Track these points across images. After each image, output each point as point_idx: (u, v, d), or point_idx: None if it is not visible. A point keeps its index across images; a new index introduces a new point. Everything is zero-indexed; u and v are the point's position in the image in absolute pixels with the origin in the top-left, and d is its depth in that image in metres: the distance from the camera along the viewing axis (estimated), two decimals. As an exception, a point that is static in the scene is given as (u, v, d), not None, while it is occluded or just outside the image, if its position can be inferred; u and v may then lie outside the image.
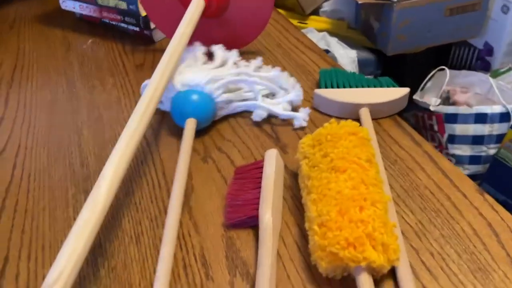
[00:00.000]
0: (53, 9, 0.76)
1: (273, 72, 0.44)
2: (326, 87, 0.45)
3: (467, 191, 0.35)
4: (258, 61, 0.46)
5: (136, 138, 0.34)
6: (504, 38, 0.94)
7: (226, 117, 0.46)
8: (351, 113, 0.43)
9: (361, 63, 0.91)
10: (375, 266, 0.27)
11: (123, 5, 0.59)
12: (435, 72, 0.93)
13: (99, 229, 0.29)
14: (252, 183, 0.35)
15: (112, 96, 0.52)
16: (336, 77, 0.46)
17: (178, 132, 0.44)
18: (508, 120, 0.82)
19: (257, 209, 0.33)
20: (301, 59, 0.55)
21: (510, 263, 0.30)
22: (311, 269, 0.30)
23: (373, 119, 0.42)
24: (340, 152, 0.32)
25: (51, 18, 0.73)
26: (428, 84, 0.94)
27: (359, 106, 0.42)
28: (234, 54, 0.47)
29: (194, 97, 0.41)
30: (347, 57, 0.84)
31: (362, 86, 0.45)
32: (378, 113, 0.43)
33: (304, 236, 0.33)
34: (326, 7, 1.01)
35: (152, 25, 0.59)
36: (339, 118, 0.43)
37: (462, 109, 0.84)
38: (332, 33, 0.92)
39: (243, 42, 0.54)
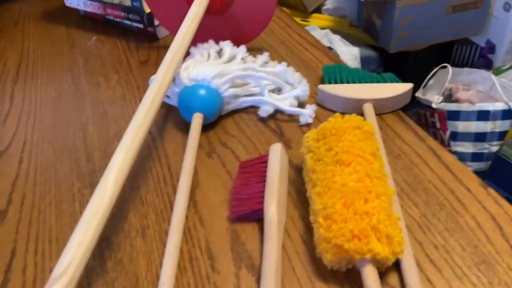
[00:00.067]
0: (56, 6, 0.76)
1: (279, 67, 0.44)
2: (329, 83, 0.46)
3: (470, 185, 0.36)
4: (264, 56, 0.46)
5: (143, 131, 0.34)
6: (506, 36, 0.94)
7: (230, 113, 0.46)
8: (355, 108, 0.43)
9: (363, 61, 0.91)
10: (380, 258, 0.28)
11: (127, 2, 0.59)
12: (438, 70, 0.94)
13: (106, 222, 0.29)
14: (257, 177, 0.36)
15: (117, 92, 0.52)
16: (339, 72, 0.47)
17: (183, 127, 0.44)
18: (511, 117, 0.82)
19: (262, 203, 0.33)
20: (304, 55, 0.55)
21: (513, 255, 0.30)
22: (316, 261, 0.31)
23: (376, 114, 0.42)
24: (345, 145, 0.32)
25: (55, 16, 0.73)
26: (431, 82, 0.94)
27: (362, 101, 0.43)
28: (242, 50, 0.47)
29: (201, 92, 0.41)
30: (349, 54, 0.85)
31: (366, 82, 0.45)
32: (382, 108, 0.43)
33: (308, 229, 0.33)
34: (328, 5, 1.01)
35: (156, 22, 0.60)
36: (343, 113, 0.44)
37: (464, 106, 0.84)
38: (334, 31, 0.92)
39: (247, 38, 0.54)
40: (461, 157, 0.87)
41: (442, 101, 0.87)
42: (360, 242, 0.27)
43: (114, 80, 0.54)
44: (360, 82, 0.45)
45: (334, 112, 0.45)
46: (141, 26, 0.61)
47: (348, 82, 0.45)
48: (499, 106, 0.83)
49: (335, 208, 0.29)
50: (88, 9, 0.65)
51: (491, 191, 0.35)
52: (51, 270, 0.32)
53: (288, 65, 0.46)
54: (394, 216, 0.29)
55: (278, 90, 0.46)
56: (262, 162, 0.36)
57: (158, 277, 0.30)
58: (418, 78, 0.93)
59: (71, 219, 0.36)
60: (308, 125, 0.43)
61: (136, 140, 0.33)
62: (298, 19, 0.94)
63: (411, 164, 0.38)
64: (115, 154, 0.32)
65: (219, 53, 0.48)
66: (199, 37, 0.49)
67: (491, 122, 0.84)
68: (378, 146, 0.34)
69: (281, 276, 0.30)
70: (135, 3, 0.59)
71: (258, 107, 0.45)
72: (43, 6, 0.78)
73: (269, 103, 0.44)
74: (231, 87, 0.43)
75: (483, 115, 0.84)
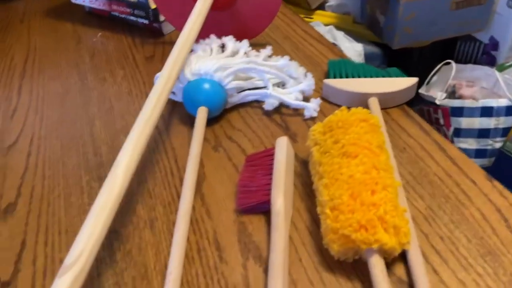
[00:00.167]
0: (62, 3, 0.77)
1: (282, 61, 0.45)
2: (334, 78, 0.46)
3: (476, 178, 0.36)
4: (267, 50, 0.47)
5: (149, 126, 0.34)
6: (510, 33, 0.94)
7: (236, 107, 0.46)
8: (360, 102, 0.43)
9: (367, 57, 0.91)
10: (387, 249, 0.28)
11: (133, -2, 0.60)
12: (441, 66, 0.94)
13: (115, 214, 0.29)
14: (264, 169, 0.36)
15: (123, 87, 0.52)
16: (344, 67, 0.47)
17: (188, 121, 0.45)
18: (514, 114, 0.83)
19: (269, 195, 0.33)
20: (309, 50, 0.55)
21: (519, 246, 0.30)
22: (322, 252, 0.31)
23: (381, 108, 0.42)
24: (352, 138, 0.32)
25: (60, 12, 0.74)
26: (434, 78, 0.94)
27: (368, 95, 0.43)
28: (244, 44, 0.47)
29: (205, 86, 0.41)
30: (353, 51, 0.85)
31: (371, 77, 0.45)
32: (387, 102, 0.43)
33: (315, 221, 0.33)
34: (331, 1, 1.01)
35: (162, 18, 0.60)
36: (348, 107, 0.44)
37: (468, 103, 0.84)
38: (337, 28, 0.92)
39: (252, 34, 0.54)
40: (465, 153, 0.87)
41: (445, 98, 0.87)
42: (367, 233, 0.27)
43: (120, 75, 0.55)
44: (365, 77, 0.45)
45: (338, 106, 0.45)
46: (146, 22, 0.61)
47: (353, 77, 0.46)
48: (503, 102, 0.83)
49: (342, 199, 0.29)
50: (94, 5, 0.66)
51: (496, 183, 0.35)
52: (61, 261, 0.33)
53: (293, 60, 0.46)
54: (401, 207, 0.30)
55: (282, 85, 0.46)
56: (268, 155, 0.37)
57: (166, 267, 0.31)
58: (421, 74, 0.93)
59: (80, 211, 0.36)
60: (313, 119, 0.44)
61: (143, 135, 0.34)
62: (301, 16, 0.94)
63: (417, 158, 0.38)
64: (123, 148, 0.32)
65: (222, 48, 0.48)
66: (204, 33, 0.49)
67: (495, 119, 0.84)
68: (384, 139, 0.34)
69: (288, 266, 0.30)
70: (140, -1, 0.59)
71: (263, 102, 0.45)
72: (48, 2, 0.78)
73: (274, 96, 0.44)
74: (234, 80, 0.44)
75: (486, 112, 0.84)
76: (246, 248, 0.32)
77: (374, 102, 0.42)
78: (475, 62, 1.02)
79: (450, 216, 0.33)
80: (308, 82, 0.45)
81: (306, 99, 0.45)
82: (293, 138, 0.42)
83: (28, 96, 0.53)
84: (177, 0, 0.53)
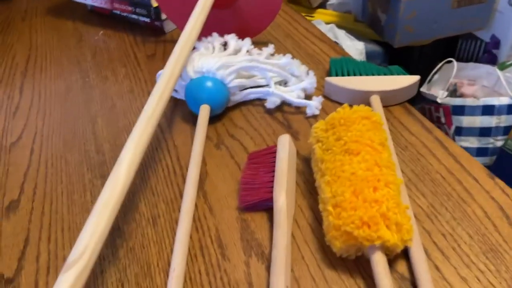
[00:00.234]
0: (63, 1, 0.77)
1: (284, 60, 0.45)
2: (336, 76, 0.46)
3: (478, 175, 0.36)
4: (270, 48, 0.47)
5: (152, 123, 0.35)
6: (511, 31, 0.94)
7: (238, 105, 0.46)
8: (362, 100, 0.43)
9: (368, 56, 0.92)
10: (389, 245, 0.28)
11: (134, -4, 0.60)
12: (442, 65, 0.94)
13: (117, 212, 0.30)
14: (266, 167, 0.36)
15: (125, 86, 0.52)
16: (346, 65, 0.47)
17: (190, 119, 0.45)
18: (516, 112, 0.83)
19: (271, 192, 0.33)
20: (311, 49, 0.55)
21: (521, 244, 0.31)
22: (325, 250, 0.31)
23: (383, 106, 0.42)
24: (354, 135, 0.32)
25: (62, 11, 0.74)
26: (435, 77, 0.94)
27: (369, 93, 0.43)
28: (247, 42, 0.48)
29: (208, 83, 0.41)
30: (354, 49, 0.85)
31: (373, 74, 0.45)
32: (389, 100, 0.44)
33: (317, 219, 0.33)
34: (333, 0, 1.01)
35: (163, 16, 0.60)
36: (350, 105, 0.44)
37: (469, 101, 0.84)
38: (339, 26, 0.93)
39: (254, 32, 0.55)
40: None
41: (447, 96, 0.87)
42: (370, 229, 0.28)
43: (121, 74, 0.55)
44: (366, 75, 0.45)
45: (340, 104, 0.45)
46: (148, 20, 0.61)
47: (355, 75, 0.46)
48: (504, 100, 0.83)
49: (344, 196, 0.29)
50: (95, 4, 0.66)
51: (498, 181, 0.35)
52: (64, 258, 0.33)
53: (295, 58, 0.46)
54: (403, 204, 0.30)
55: (284, 83, 0.46)
56: (270, 153, 0.37)
57: (169, 264, 0.31)
58: (423, 73, 0.93)
59: (83, 208, 0.37)
60: (314, 117, 0.44)
61: (145, 132, 0.34)
62: (302, 14, 0.94)
63: (418, 155, 0.38)
64: (125, 146, 0.32)
65: (224, 46, 0.48)
66: (206, 31, 0.49)
67: (496, 117, 0.84)
68: (386, 136, 0.34)
69: (290, 264, 0.30)
70: (142, -3, 0.59)
71: (265, 100, 0.45)
72: (50, 1, 0.78)
73: (276, 94, 0.44)
74: (236, 78, 0.44)
75: (488, 110, 0.84)
76: (249, 246, 0.32)
77: (376, 100, 0.42)
78: (476, 61, 1.02)
79: (452, 213, 0.33)
80: (310, 80, 0.45)
81: (308, 97, 0.45)
82: (295, 136, 0.42)
83: (30, 94, 0.53)
84: (179, -2, 0.53)
